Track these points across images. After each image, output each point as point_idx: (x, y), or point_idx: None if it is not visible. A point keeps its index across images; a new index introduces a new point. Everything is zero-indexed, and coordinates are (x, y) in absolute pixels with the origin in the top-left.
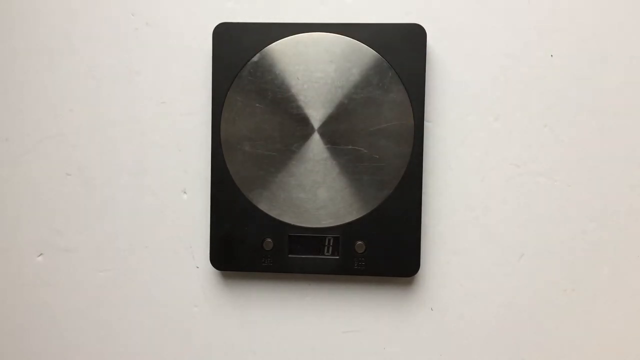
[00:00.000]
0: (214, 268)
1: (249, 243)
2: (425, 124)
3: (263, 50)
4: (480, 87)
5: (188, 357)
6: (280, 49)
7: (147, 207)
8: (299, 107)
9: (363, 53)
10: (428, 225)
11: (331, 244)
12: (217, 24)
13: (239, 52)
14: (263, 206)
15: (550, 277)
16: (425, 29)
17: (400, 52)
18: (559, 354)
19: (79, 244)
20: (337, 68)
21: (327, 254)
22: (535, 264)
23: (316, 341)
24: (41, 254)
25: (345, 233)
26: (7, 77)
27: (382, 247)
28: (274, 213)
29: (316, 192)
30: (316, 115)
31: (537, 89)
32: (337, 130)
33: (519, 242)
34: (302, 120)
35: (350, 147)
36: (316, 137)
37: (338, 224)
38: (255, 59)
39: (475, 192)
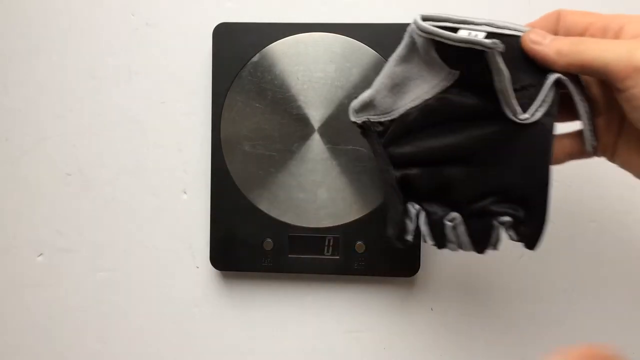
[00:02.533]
0: (214, 268)
1: (249, 243)
2: None
3: (263, 50)
4: None
5: (188, 357)
6: (280, 49)
7: (147, 207)
8: (299, 107)
9: (363, 53)
10: None
11: (331, 244)
12: (217, 24)
13: (239, 52)
14: (263, 206)
15: (550, 277)
16: None
17: None
18: None
19: (79, 244)
20: (337, 68)
21: (327, 254)
22: (535, 264)
23: (316, 341)
24: (41, 254)
25: (345, 233)
26: (7, 77)
27: (382, 247)
28: (274, 213)
29: (316, 192)
30: (316, 115)
31: None
32: (337, 130)
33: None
34: (302, 120)
35: (350, 147)
36: (316, 137)
37: (338, 224)
38: (255, 59)
39: None
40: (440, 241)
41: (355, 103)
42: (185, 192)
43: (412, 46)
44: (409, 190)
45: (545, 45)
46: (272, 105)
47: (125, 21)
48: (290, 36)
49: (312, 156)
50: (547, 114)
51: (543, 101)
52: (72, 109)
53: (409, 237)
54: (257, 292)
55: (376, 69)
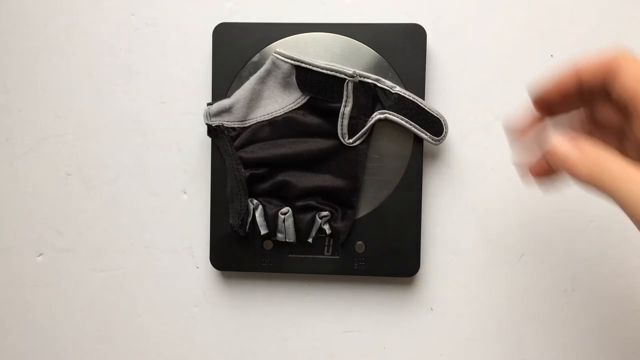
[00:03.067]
0: (214, 268)
1: (249, 243)
2: None
3: (263, 50)
4: (480, 88)
5: (188, 357)
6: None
7: (147, 207)
8: None
9: (363, 53)
10: (428, 225)
11: (331, 244)
12: (217, 24)
13: (239, 52)
14: None
15: (550, 277)
16: (425, 29)
17: (400, 52)
18: (559, 354)
19: (79, 244)
20: None
21: (327, 254)
22: (535, 264)
23: (316, 341)
24: (41, 254)
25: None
26: (7, 77)
27: (382, 247)
28: None
29: None
30: None
31: None
32: None
33: (519, 242)
34: None
35: None
36: None
37: None
38: (255, 59)
39: (475, 192)
40: (273, 231)
41: (212, 108)
42: (185, 192)
43: (270, 71)
44: (253, 187)
45: (571, 163)
46: None
47: (125, 21)
48: (290, 36)
49: None
50: (364, 141)
51: (364, 133)
52: (72, 109)
53: (247, 227)
54: (257, 292)
55: (376, 69)
